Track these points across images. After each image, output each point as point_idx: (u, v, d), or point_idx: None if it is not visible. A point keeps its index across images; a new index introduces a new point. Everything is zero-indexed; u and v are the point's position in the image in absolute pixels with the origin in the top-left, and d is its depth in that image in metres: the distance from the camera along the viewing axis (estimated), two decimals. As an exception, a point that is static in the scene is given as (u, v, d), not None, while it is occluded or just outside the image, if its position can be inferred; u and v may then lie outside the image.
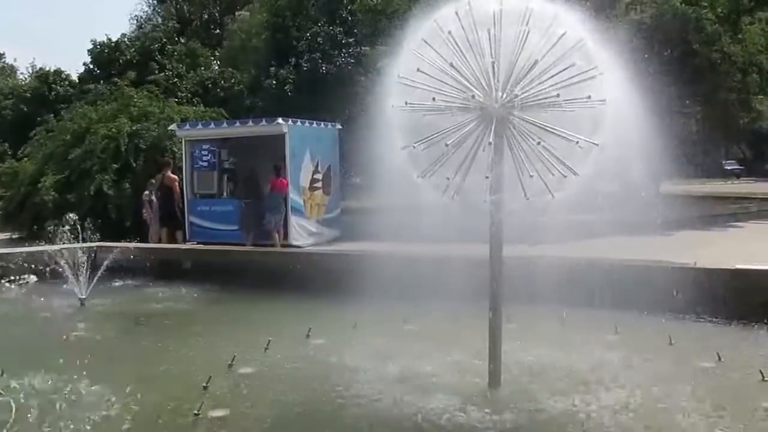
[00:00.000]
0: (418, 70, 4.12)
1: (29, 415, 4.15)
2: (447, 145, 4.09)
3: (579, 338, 5.61)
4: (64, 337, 6.33)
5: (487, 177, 4.16)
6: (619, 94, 4.29)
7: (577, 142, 4.11)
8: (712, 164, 37.46)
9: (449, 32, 4.16)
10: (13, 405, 4.24)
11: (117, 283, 8.75)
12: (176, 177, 13.08)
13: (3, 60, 47.05)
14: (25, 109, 27.81)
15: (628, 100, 4.36)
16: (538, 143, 4.09)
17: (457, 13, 4.18)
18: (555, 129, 4.14)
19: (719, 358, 5.04)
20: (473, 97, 4.10)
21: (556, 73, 4.11)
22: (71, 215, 8.76)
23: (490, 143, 4.08)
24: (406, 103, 4.16)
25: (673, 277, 6.24)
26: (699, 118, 16.57)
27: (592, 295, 6.26)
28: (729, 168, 41.55)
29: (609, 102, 4.14)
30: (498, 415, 4.08)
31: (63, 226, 8.75)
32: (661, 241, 11.85)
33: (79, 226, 8.60)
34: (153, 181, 13.07)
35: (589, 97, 4.13)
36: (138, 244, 11.29)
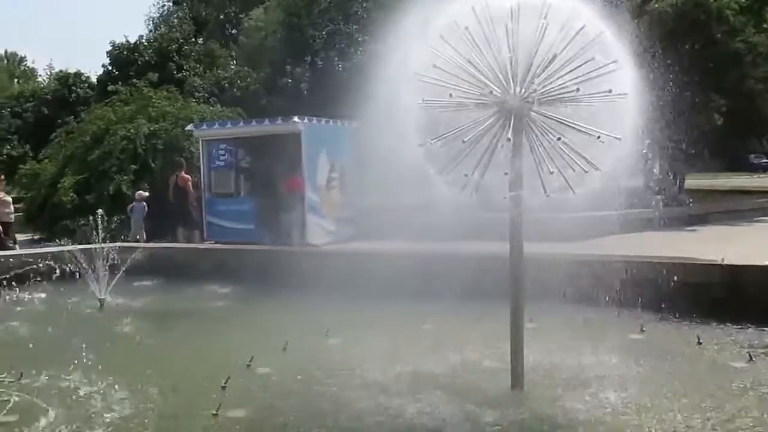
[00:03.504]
0: (434, 66, 4.06)
1: (45, 414, 4.15)
2: (464, 142, 4.01)
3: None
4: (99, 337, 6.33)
5: (506, 174, 4.08)
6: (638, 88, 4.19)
7: (598, 137, 4.01)
8: (738, 158, 36.75)
9: (466, 28, 4.08)
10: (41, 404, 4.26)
11: (136, 283, 8.79)
12: (189, 177, 13.19)
13: (24, 63, 47.87)
14: (46, 111, 28.20)
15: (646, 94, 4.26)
16: (558, 139, 4.00)
17: (473, 9, 4.11)
18: (575, 124, 4.04)
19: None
20: (491, 92, 4.02)
21: (576, 68, 4.02)
22: (100, 212, 8.84)
23: (509, 139, 4.00)
24: (422, 100, 4.10)
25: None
26: (724, 111, 16.20)
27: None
28: (756, 162, 40.76)
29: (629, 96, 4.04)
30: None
31: (84, 226, 8.80)
32: (687, 237, 11.63)
33: (101, 226, 8.68)
34: (141, 192, 13.30)
35: (610, 91, 4.03)
36: (157, 244, 11.39)
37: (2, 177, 13.01)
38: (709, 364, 4.97)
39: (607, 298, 6.03)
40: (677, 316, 6.04)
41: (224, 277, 8.84)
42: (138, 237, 12.73)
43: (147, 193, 13.41)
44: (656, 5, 14.97)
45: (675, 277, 6.07)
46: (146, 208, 13.14)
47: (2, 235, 11.52)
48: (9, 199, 12.19)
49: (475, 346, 5.36)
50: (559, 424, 3.95)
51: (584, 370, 4.80)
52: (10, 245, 11.53)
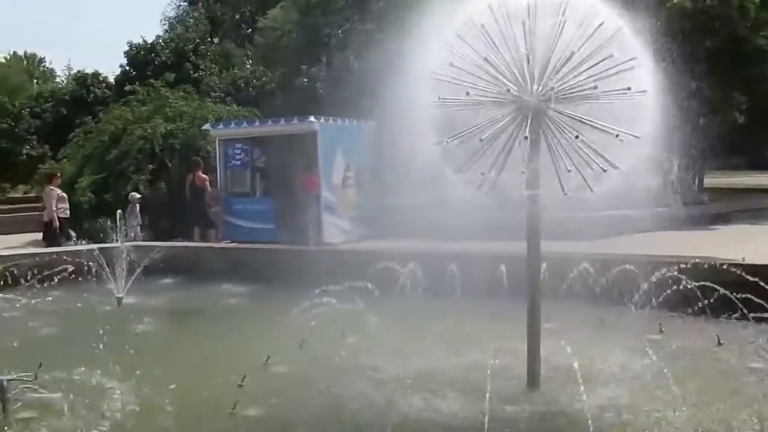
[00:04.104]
0: (451, 64, 4.04)
1: (62, 411, 4.20)
2: (481, 140, 3.99)
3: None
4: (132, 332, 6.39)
5: (523, 172, 4.05)
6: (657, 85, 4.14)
7: (617, 135, 3.97)
8: (758, 156, 36.18)
9: (482, 25, 4.06)
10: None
11: (154, 282, 8.87)
12: (206, 177, 13.29)
13: (43, 64, 48.47)
14: (65, 112, 28.43)
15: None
16: (576, 137, 3.96)
17: (490, 6, 4.09)
18: (593, 122, 4.01)
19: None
20: (508, 90, 4.00)
21: (594, 65, 3.98)
22: (119, 213, 8.98)
23: (526, 137, 3.97)
24: (439, 99, 4.08)
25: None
26: (744, 108, 15.96)
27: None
28: None
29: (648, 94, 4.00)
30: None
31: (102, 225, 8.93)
32: (707, 235, 11.48)
33: (119, 226, 8.78)
34: (135, 193, 13.37)
35: (629, 88, 3.99)
36: (174, 243, 11.49)
37: (59, 174, 13.25)
38: (729, 365, 4.90)
39: (626, 298, 5.97)
40: (697, 316, 5.96)
41: (240, 276, 8.89)
42: (132, 235, 12.87)
43: (138, 195, 13.51)
44: (676, 1, 14.77)
45: (694, 277, 5.98)
46: (137, 208, 13.25)
47: (58, 231, 11.74)
48: (65, 195, 12.43)
49: (491, 344, 5.32)
50: (575, 423, 3.92)
51: (602, 370, 4.76)
52: (63, 241, 11.73)
